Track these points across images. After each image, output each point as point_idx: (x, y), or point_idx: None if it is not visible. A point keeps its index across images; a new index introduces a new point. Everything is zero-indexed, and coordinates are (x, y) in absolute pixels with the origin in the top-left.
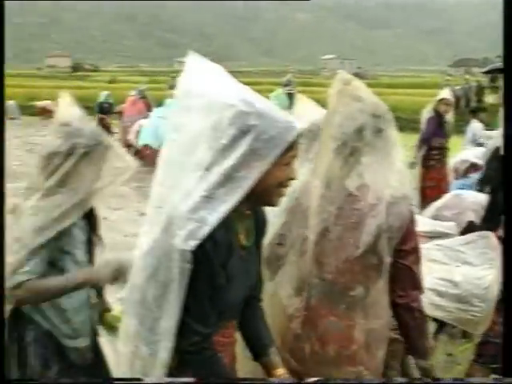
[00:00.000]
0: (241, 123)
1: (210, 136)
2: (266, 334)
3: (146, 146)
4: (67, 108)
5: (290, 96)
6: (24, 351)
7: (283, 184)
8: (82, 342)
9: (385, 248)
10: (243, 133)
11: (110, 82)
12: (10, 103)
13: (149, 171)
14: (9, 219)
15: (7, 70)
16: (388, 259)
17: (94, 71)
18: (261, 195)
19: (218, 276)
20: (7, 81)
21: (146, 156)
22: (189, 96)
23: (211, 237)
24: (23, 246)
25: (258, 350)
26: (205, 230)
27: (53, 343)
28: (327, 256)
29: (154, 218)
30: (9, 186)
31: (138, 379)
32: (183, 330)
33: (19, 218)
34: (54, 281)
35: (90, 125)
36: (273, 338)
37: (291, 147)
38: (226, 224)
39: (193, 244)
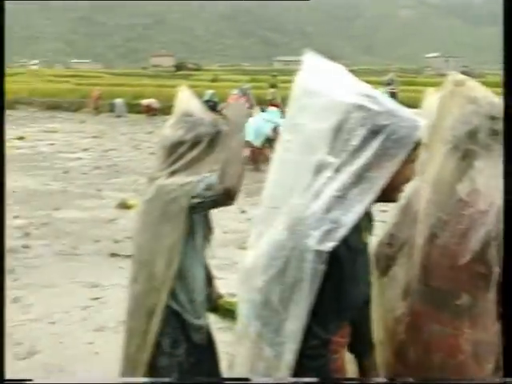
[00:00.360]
0: (371, 123)
1: (333, 136)
2: (369, 339)
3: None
4: (188, 100)
5: (393, 95)
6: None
7: (407, 181)
8: (203, 321)
9: (494, 257)
10: (374, 133)
11: (213, 80)
12: (118, 101)
13: (249, 168)
14: (116, 213)
15: (115, 70)
16: (497, 269)
17: (197, 70)
18: (387, 193)
19: (347, 278)
20: (115, 80)
21: (247, 153)
22: (306, 95)
23: (345, 239)
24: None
25: (358, 351)
26: (341, 232)
27: (180, 323)
28: (433, 262)
29: (268, 219)
30: (116, 181)
31: (247, 379)
32: (304, 333)
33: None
34: (228, 151)
35: (210, 115)
36: (373, 343)
37: (416, 145)
38: (357, 225)
39: (330, 245)
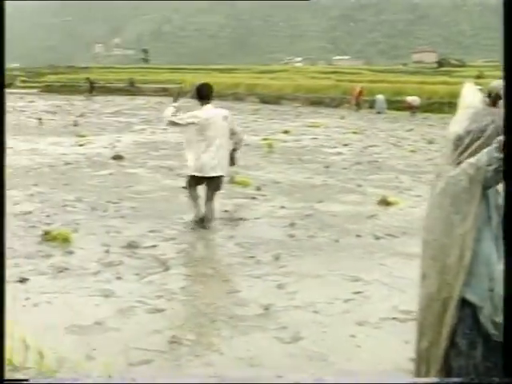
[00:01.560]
0: None
1: None
2: None
3: None
4: (472, 94)
5: None
6: (453, 329)
7: None
8: (501, 318)
9: None
10: None
11: (477, 77)
12: (378, 98)
13: None
14: (377, 209)
15: (375, 66)
16: None
17: (461, 66)
18: None
19: None
20: (374, 76)
21: None
22: None
23: None
24: None
25: None
26: None
27: (477, 325)
28: None
29: None
30: (376, 178)
31: None
32: None
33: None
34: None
35: (492, 107)
36: None
37: None
38: None
39: None
